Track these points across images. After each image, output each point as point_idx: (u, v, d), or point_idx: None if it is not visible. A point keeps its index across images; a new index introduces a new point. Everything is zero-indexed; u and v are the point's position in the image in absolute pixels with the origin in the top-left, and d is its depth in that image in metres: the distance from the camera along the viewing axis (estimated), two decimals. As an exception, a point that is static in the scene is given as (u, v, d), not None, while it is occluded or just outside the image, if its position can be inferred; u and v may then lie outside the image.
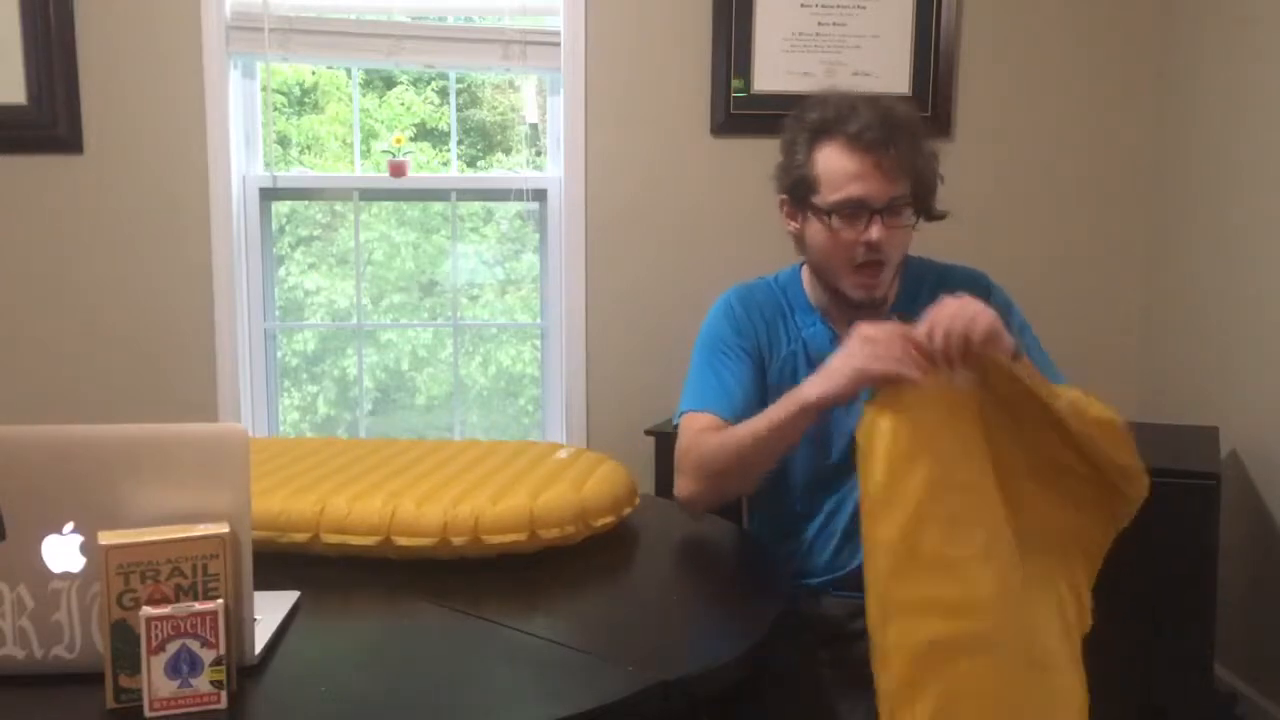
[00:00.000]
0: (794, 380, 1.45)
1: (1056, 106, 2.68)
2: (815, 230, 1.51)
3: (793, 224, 1.56)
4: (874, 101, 1.48)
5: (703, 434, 1.49)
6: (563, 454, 1.57)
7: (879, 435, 1.20)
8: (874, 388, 1.25)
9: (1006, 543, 1.24)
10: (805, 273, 1.61)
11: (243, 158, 2.67)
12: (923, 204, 1.50)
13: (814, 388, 1.34)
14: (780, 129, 1.56)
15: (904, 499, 1.18)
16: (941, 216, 1.53)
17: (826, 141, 1.48)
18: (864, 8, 2.61)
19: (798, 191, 1.52)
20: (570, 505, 1.35)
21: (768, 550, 1.52)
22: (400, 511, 1.31)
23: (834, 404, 1.32)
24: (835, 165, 1.47)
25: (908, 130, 1.46)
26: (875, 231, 1.44)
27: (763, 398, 1.52)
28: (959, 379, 1.27)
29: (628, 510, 1.45)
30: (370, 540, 1.30)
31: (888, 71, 2.62)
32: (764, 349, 1.57)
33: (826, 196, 1.47)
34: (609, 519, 1.39)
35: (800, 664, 1.46)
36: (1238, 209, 2.33)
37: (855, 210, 1.45)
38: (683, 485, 1.50)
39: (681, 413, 1.57)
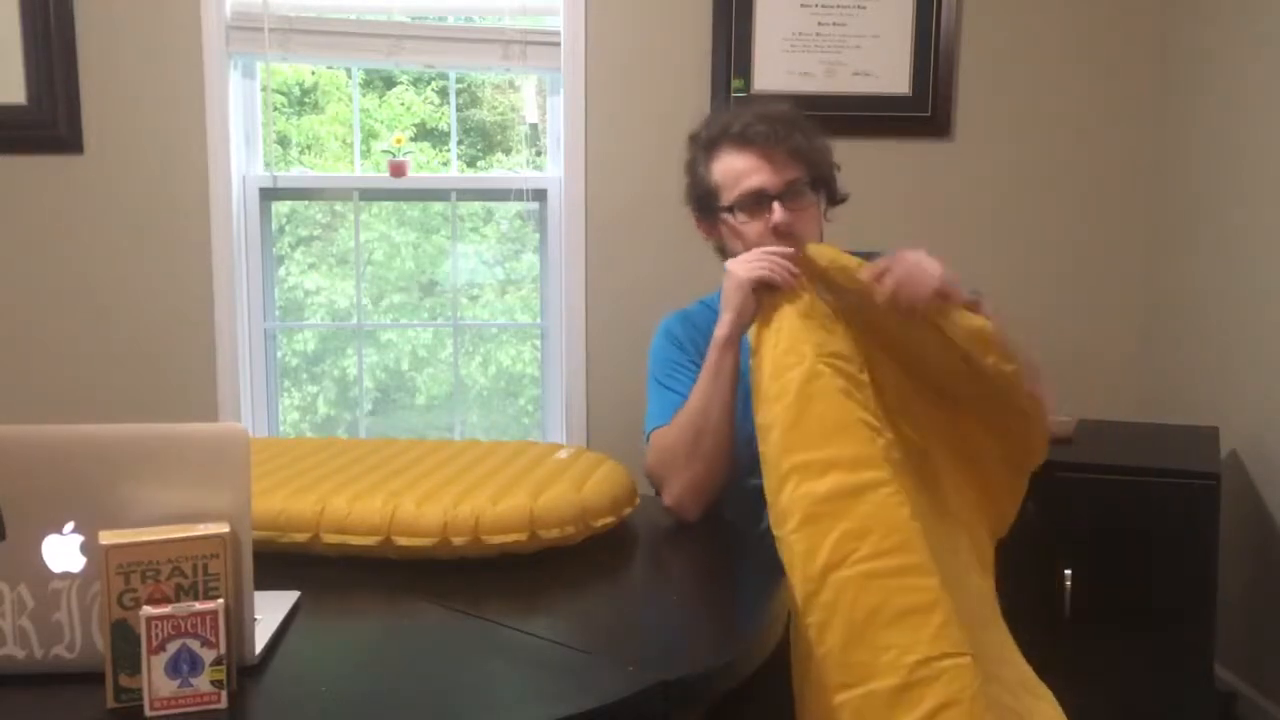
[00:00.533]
0: (743, 381, 1.51)
1: (1056, 106, 2.68)
2: (728, 234, 1.62)
3: (710, 239, 1.69)
4: (756, 105, 1.63)
5: (661, 436, 1.58)
6: (563, 454, 1.57)
7: (765, 338, 1.38)
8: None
9: (900, 429, 1.35)
10: None
11: (243, 158, 2.67)
12: (822, 187, 1.61)
13: (720, 327, 1.51)
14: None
15: (788, 387, 1.30)
16: (844, 199, 1.66)
17: (718, 151, 1.62)
18: (864, 8, 2.61)
19: (705, 204, 1.65)
20: (570, 505, 1.35)
21: (767, 549, 1.52)
22: (400, 511, 1.31)
23: (740, 325, 1.48)
24: (729, 167, 1.59)
25: (787, 122, 1.58)
26: (778, 215, 1.54)
27: None
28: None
29: (628, 510, 1.45)
30: (370, 540, 1.30)
31: (888, 71, 2.62)
32: None
33: (728, 197, 1.59)
34: (609, 519, 1.39)
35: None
36: (1238, 209, 2.33)
37: (756, 201, 1.57)
38: (667, 492, 1.55)
39: (648, 434, 1.63)
